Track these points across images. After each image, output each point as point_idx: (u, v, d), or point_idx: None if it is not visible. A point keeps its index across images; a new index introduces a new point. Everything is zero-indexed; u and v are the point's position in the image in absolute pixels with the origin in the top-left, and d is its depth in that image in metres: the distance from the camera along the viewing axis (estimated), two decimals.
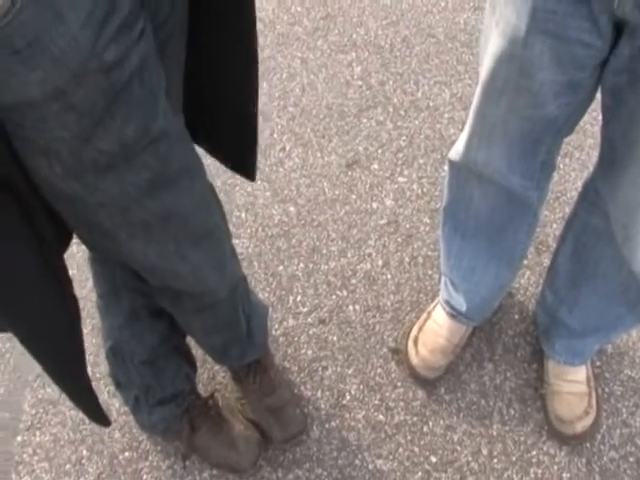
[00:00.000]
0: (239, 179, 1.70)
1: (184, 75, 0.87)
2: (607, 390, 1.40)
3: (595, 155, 1.73)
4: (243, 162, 0.97)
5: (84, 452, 1.35)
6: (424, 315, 1.44)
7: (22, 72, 0.58)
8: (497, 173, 1.08)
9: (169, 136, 0.75)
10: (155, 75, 0.71)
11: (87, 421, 1.37)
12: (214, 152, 0.98)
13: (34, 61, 0.57)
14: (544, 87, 0.90)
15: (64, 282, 0.82)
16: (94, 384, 1.38)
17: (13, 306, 0.75)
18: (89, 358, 1.44)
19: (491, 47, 0.92)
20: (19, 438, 1.37)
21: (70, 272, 1.45)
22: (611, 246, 1.07)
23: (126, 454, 1.35)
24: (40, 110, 0.62)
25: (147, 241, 0.83)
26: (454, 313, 1.37)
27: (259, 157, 1.75)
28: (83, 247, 1.59)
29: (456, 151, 1.13)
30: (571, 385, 1.35)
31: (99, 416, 0.99)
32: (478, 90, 1.00)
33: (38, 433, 1.38)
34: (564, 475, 1.31)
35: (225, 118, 0.91)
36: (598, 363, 1.43)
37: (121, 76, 0.65)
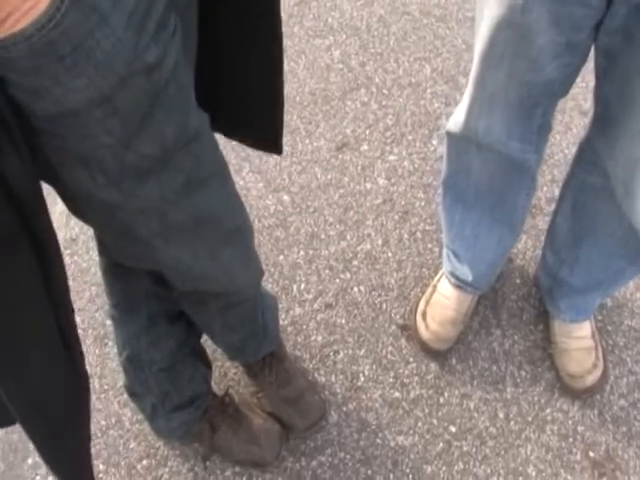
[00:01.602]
0: (230, 173, 1.70)
1: (203, 64, 0.85)
2: (611, 342, 1.44)
3: (577, 117, 1.77)
4: (270, 137, 0.95)
5: (100, 466, 1.33)
6: (429, 289, 1.46)
7: (66, 80, 0.56)
8: (497, 141, 1.09)
9: (202, 135, 0.75)
10: (185, 73, 0.70)
11: (99, 434, 1.36)
12: (235, 134, 0.96)
13: (79, 67, 0.56)
14: (543, 50, 0.91)
15: (76, 354, 0.77)
16: (102, 396, 1.41)
17: (16, 375, 0.69)
18: (95, 370, 1.43)
19: (488, 15, 0.93)
20: (30, 460, 1.34)
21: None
22: (610, 202, 1.09)
23: (144, 462, 1.34)
24: (84, 118, 0.61)
25: (181, 244, 0.83)
26: (460, 284, 1.39)
27: (247, 149, 1.75)
28: (76, 258, 1.61)
29: (455, 122, 1.14)
30: (578, 341, 1.38)
31: None
32: (476, 59, 1.01)
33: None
34: (579, 428, 1.34)
35: (251, 94, 0.89)
36: (600, 317, 1.46)
37: (161, 76, 0.64)
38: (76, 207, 0.80)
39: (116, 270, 1.11)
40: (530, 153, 1.13)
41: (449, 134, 1.18)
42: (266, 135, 0.94)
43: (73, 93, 0.58)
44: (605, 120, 1.00)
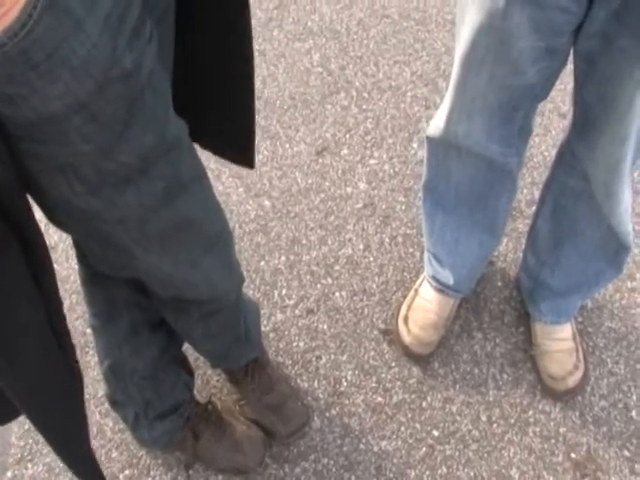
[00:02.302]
0: (210, 179, 1.68)
1: (177, 73, 0.85)
2: (591, 343, 1.45)
3: (555, 119, 1.78)
4: (242, 151, 0.95)
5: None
6: (411, 293, 1.46)
7: (42, 87, 0.55)
8: (477, 144, 1.10)
9: (180, 143, 0.74)
10: (162, 80, 0.69)
11: None
12: (208, 146, 0.96)
13: (54, 74, 0.55)
14: (523, 54, 0.92)
15: (67, 346, 0.79)
16: None
17: (18, 372, 0.71)
18: None
19: (469, 20, 0.93)
20: (9, 474, 1.32)
21: None
22: (589, 204, 1.10)
23: (126, 472, 1.32)
24: (61, 124, 0.60)
25: (162, 252, 0.82)
26: (441, 287, 1.39)
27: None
28: (55, 266, 1.59)
29: (435, 127, 1.14)
30: (559, 343, 1.38)
31: None
32: (456, 64, 1.01)
33: (30, 465, 1.33)
34: (561, 430, 1.35)
35: (223, 107, 0.89)
36: (580, 319, 1.47)
37: (138, 83, 0.63)
38: (55, 216, 0.79)
39: (96, 279, 1.10)
40: (511, 156, 1.13)
41: (429, 139, 1.18)
42: (238, 148, 0.95)
43: (50, 100, 0.57)
44: (585, 123, 1.01)
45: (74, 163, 0.65)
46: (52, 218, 0.80)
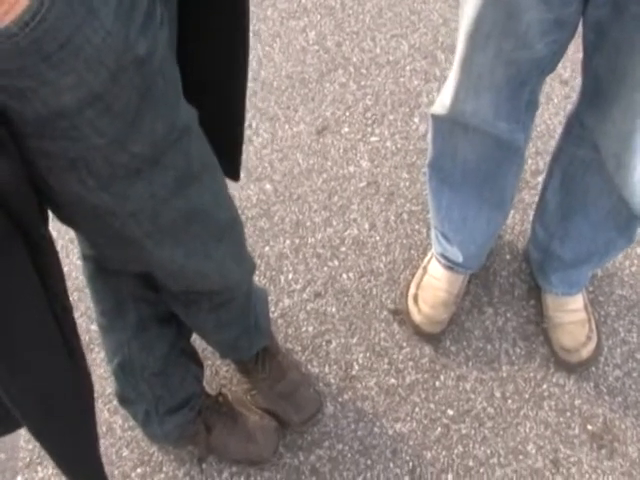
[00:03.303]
0: None
1: None
2: (603, 313, 1.43)
3: (557, 87, 1.74)
4: (228, 161, 0.94)
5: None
6: (419, 271, 1.44)
7: (54, 79, 0.53)
8: (484, 122, 1.07)
9: (191, 130, 0.72)
10: (173, 67, 0.67)
11: None
12: None
13: (67, 65, 0.52)
14: (531, 27, 0.89)
15: (75, 345, 0.76)
16: None
17: (22, 378, 0.69)
18: None
19: None
20: (19, 477, 1.30)
21: None
22: (599, 175, 1.07)
23: (139, 470, 1.31)
24: (74, 119, 0.57)
25: (174, 244, 0.80)
26: (451, 265, 1.37)
27: None
28: (64, 262, 1.58)
29: (441, 105, 1.11)
30: (571, 314, 1.37)
31: None
32: (462, 39, 0.98)
33: (39, 468, 1.31)
34: (576, 402, 1.33)
35: (211, 118, 0.87)
36: (591, 288, 1.46)
37: (151, 69, 0.60)
38: (65, 214, 0.77)
39: (102, 276, 1.08)
40: (518, 132, 1.10)
41: (434, 116, 1.15)
42: (224, 158, 0.93)
43: (62, 93, 0.55)
44: (595, 95, 0.98)
45: (86, 157, 0.63)
46: (62, 217, 0.78)
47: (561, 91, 1.73)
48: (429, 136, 1.21)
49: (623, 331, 1.41)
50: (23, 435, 1.35)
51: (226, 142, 0.91)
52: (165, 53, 0.63)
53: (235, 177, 0.97)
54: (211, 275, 0.91)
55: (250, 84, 1.80)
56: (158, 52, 0.61)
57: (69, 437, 0.80)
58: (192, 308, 1.04)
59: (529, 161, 1.62)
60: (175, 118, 0.68)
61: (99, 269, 1.07)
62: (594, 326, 1.38)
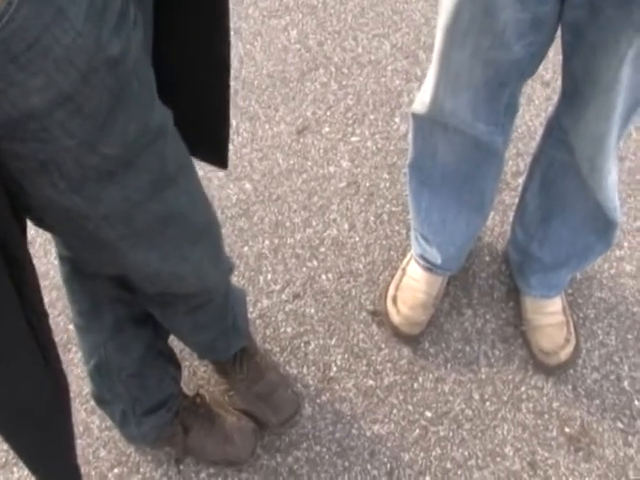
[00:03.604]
0: None
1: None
2: (582, 315, 1.43)
3: (539, 88, 1.74)
4: (215, 149, 0.92)
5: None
6: (399, 272, 1.43)
7: (22, 80, 0.52)
8: (462, 122, 1.06)
9: (166, 132, 0.71)
10: (147, 67, 0.66)
11: None
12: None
13: (36, 65, 0.52)
14: (508, 27, 0.89)
15: (51, 353, 0.76)
16: None
17: None
18: None
19: None
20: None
21: None
22: (578, 178, 1.08)
23: (115, 471, 1.30)
24: (43, 120, 0.56)
25: (150, 247, 0.79)
26: (429, 266, 1.37)
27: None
28: (35, 262, 1.55)
29: (421, 103, 1.11)
30: (549, 317, 1.37)
31: None
32: (439, 36, 0.97)
33: (15, 469, 1.30)
34: (554, 404, 1.34)
35: (196, 104, 0.86)
36: (570, 290, 1.46)
37: (124, 70, 0.60)
38: (39, 217, 0.76)
39: (77, 277, 1.07)
40: (497, 135, 1.10)
41: (414, 115, 1.14)
42: (211, 146, 0.92)
43: (31, 94, 0.54)
44: (572, 96, 0.98)
45: (57, 160, 0.62)
46: (35, 220, 0.77)
47: (542, 92, 1.74)
48: (409, 136, 1.20)
49: (602, 334, 1.41)
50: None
51: (212, 130, 0.90)
52: (139, 54, 0.63)
53: (223, 164, 0.95)
54: (187, 277, 0.90)
55: (231, 82, 1.78)
56: (131, 53, 0.60)
57: (44, 441, 0.79)
58: (168, 310, 1.03)
59: (510, 162, 1.62)
60: (149, 119, 0.67)
61: (75, 270, 1.06)
62: (572, 329, 1.38)
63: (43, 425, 0.77)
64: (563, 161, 1.09)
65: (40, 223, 0.78)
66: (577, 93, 0.96)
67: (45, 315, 0.73)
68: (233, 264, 1.08)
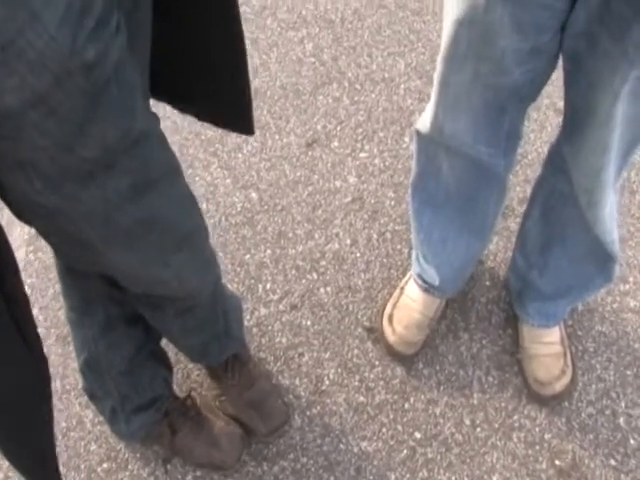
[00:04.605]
0: (198, 169, 1.65)
1: (166, 46, 0.82)
2: (580, 347, 1.42)
3: (552, 115, 1.74)
4: (240, 115, 0.91)
5: (60, 469, 1.30)
6: (397, 291, 1.43)
7: None
8: (463, 144, 1.07)
9: (149, 137, 0.72)
10: (130, 72, 0.67)
11: (60, 436, 1.33)
12: (205, 115, 0.93)
13: (9, 66, 0.53)
14: (506, 55, 0.89)
15: (32, 339, 0.76)
16: (64, 397, 1.37)
17: None
18: (57, 370, 1.39)
19: (452, 12, 0.91)
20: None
21: (29, 280, 1.39)
22: (577, 209, 1.07)
23: (104, 465, 1.31)
24: (17, 119, 0.57)
25: (130, 250, 0.79)
26: (427, 287, 1.36)
27: (216, 144, 1.70)
28: (40, 255, 1.56)
29: (423, 123, 1.11)
30: (546, 347, 1.36)
31: None
32: (440, 58, 0.98)
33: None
34: (546, 436, 1.32)
35: (215, 72, 0.86)
36: (570, 322, 1.44)
37: (101, 75, 0.60)
38: (17, 211, 0.77)
39: (70, 273, 1.08)
40: (498, 158, 1.10)
41: (419, 134, 1.14)
42: (235, 113, 0.91)
43: (4, 94, 0.55)
44: (572, 126, 0.98)
45: (33, 159, 0.62)
46: (14, 212, 0.77)
47: (555, 120, 1.74)
48: (414, 154, 1.20)
49: (600, 368, 1.39)
50: None
51: (233, 94, 0.89)
52: (120, 59, 0.63)
53: (249, 131, 0.94)
54: (169, 282, 0.90)
55: None
56: (111, 58, 0.61)
57: (21, 429, 0.79)
58: (157, 312, 1.04)
59: (517, 188, 1.62)
60: (131, 124, 0.67)
61: (68, 267, 1.06)
62: (570, 360, 1.36)
63: (24, 413, 0.78)
64: (562, 190, 1.09)
65: (19, 217, 0.79)
66: (576, 123, 0.95)
67: (26, 300, 0.73)
68: (219, 270, 1.08)
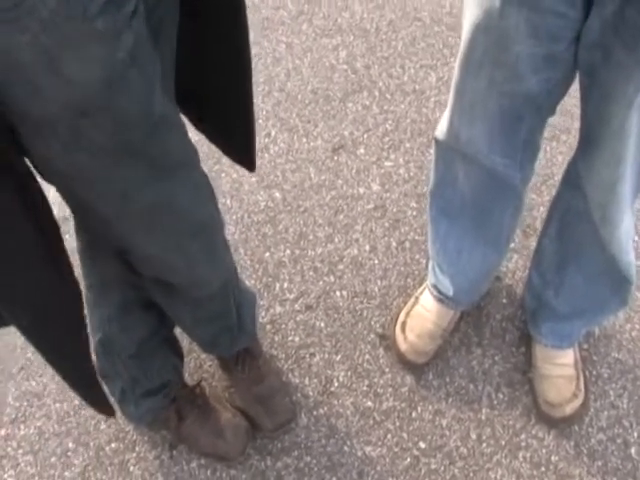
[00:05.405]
0: (225, 165, 1.67)
1: (182, 60, 0.85)
2: (595, 373, 1.40)
3: None
4: (243, 152, 0.96)
5: (70, 444, 1.33)
6: (412, 300, 1.43)
7: (9, 32, 0.55)
8: (478, 153, 1.07)
9: (169, 124, 0.74)
10: (151, 63, 0.69)
11: (72, 413, 1.36)
12: (214, 140, 0.97)
13: (22, 23, 0.55)
14: (522, 60, 0.89)
15: (65, 264, 0.81)
16: None
17: (15, 292, 0.74)
18: None
19: (468, 18, 0.92)
20: (2, 432, 1.35)
21: None
22: (592, 225, 1.07)
23: (112, 445, 1.33)
24: (29, 73, 0.59)
25: (143, 232, 0.82)
26: (441, 297, 1.36)
27: None
28: (67, 237, 1.57)
29: (440, 129, 1.12)
30: (559, 368, 1.34)
31: (104, 404, 0.99)
32: (457, 63, 0.99)
33: (22, 426, 1.36)
34: (552, 458, 1.30)
35: (222, 107, 0.90)
36: (585, 346, 1.43)
37: (117, 52, 0.62)
38: (40, 171, 0.79)
39: (89, 252, 1.10)
40: (514, 170, 1.10)
41: (437, 141, 1.15)
42: (239, 149, 0.95)
43: (18, 48, 0.57)
44: (587, 141, 0.98)
45: (50, 120, 0.64)
46: (39, 172, 0.80)
47: None
48: (432, 161, 1.21)
49: (613, 395, 1.37)
50: (12, 392, 1.40)
51: (239, 134, 0.93)
52: (138, 45, 0.65)
53: (251, 167, 0.98)
54: (179, 269, 0.92)
55: (275, 94, 1.82)
56: (124, 39, 0.63)
57: (60, 337, 0.85)
58: (170, 300, 1.05)
59: (541, 208, 1.61)
60: (150, 107, 0.70)
61: (88, 246, 1.09)
62: (582, 384, 1.35)
63: (57, 323, 0.83)
64: (577, 206, 1.08)
65: (42, 176, 0.81)
66: (591, 137, 0.95)
67: (56, 226, 0.78)
68: (234, 266, 1.11)
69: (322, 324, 1.45)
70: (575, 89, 0.98)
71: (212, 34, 0.81)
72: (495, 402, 1.36)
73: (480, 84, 0.96)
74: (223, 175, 1.67)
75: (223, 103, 0.89)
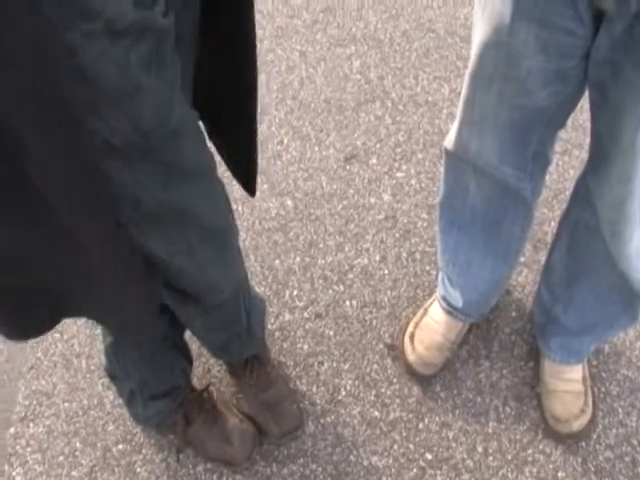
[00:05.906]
0: None
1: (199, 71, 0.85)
2: (603, 390, 1.39)
3: None
4: (245, 178, 0.96)
5: (77, 444, 1.34)
6: (421, 311, 1.43)
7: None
8: (489, 164, 1.07)
9: (187, 130, 0.74)
10: (172, 69, 0.69)
11: (81, 413, 1.37)
12: (221, 156, 0.97)
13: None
14: (532, 75, 0.90)
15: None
16: (87, 376, 1.41)
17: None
18: (83, 350, 1.43)
19: (478, 34, 0.92)
20: (12, 430, 1.36)
21: None
22: (602, 242, 1.06)
23: (120, 447, 1.34)
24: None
25: (158, 236, 0.82)
26: (450, 309, 1.36)
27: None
28: None
29: (449, 140, 1.12)
30: (567, 384, 1.34)
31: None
32: (467, 78, 0.99)
33: (32, 425, 1.37)
34: (559, 474, 1.30)
35: (227, 129, 0.91)
36: (595, 362, 1.42)
37: (138, 48, 0.62)
38: None
39: None
40: (524, 182, 1.10)
41: (447, 152, 1.15)
42: (241, 174, 0.95)
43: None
44: (597, 156, 0.98)
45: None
46: None
47: None
48: (442, 173, 1.21)
49: (622, 412, 1.36)
50: (22, 391, 1.41)
51: (241, 163, 0.94)
52: (159, 45, 0.64)
53: (251, 193, 0.99)
54: (192, 274, 0.92)
55: (288, 101, 1.83)
56: (148, 36, 0.62)
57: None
58: (180, 306, 1.05)
59: (552, 223, 1.61)
60: (167, 113, 0.69)
61: None
62: (590, 401, 1.34)
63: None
64: (587, 222, 1.07)
65: None
66: (601, 153, 0.95)
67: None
68: (245, 274, 1.11)
69: (331, 332, 1.45)
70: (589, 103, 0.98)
71: (222, 61, 0.82)
72: (502, 416, 1.36)
73: (490, 98, 0.97)
74: (234, 182, 1.66)
75: (228, 126, 0.90)
